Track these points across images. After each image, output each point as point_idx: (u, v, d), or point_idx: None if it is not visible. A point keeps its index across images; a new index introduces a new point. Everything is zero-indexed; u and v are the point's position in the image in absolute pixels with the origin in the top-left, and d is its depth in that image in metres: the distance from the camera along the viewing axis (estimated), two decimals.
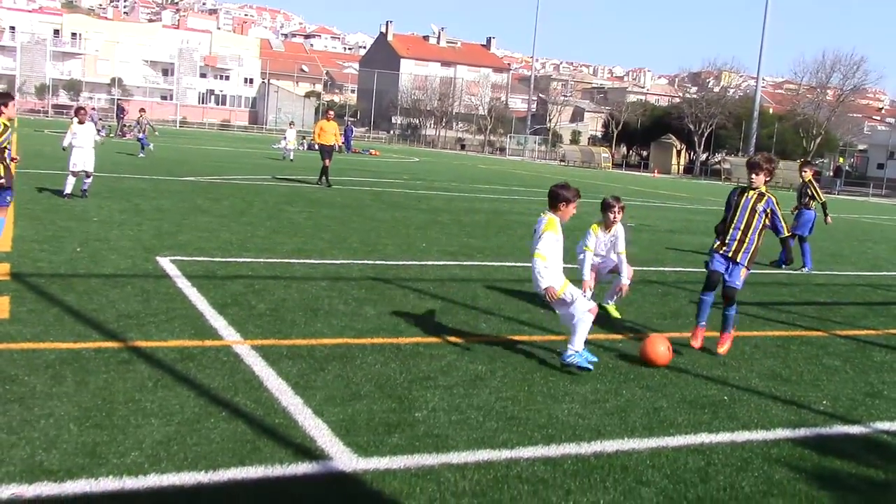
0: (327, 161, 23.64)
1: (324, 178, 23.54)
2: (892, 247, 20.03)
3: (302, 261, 10.69)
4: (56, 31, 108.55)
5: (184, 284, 8.58)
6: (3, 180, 9.68)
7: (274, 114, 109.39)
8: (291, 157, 36.63)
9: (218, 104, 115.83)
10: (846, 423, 5.92)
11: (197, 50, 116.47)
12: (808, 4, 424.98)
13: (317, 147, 25.20)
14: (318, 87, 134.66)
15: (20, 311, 6.97)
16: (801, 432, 5.62)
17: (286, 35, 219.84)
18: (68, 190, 15.10)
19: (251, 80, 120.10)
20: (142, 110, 34.01)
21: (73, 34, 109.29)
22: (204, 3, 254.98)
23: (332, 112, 26.64)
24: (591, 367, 6.61)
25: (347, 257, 11.25)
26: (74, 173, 15.31)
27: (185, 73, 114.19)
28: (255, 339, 6.77)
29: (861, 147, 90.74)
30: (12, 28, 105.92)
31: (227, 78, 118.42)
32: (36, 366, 5.64)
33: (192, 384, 5.52)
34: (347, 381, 5.89)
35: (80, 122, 15.97)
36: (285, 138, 38.69)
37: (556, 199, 6.77)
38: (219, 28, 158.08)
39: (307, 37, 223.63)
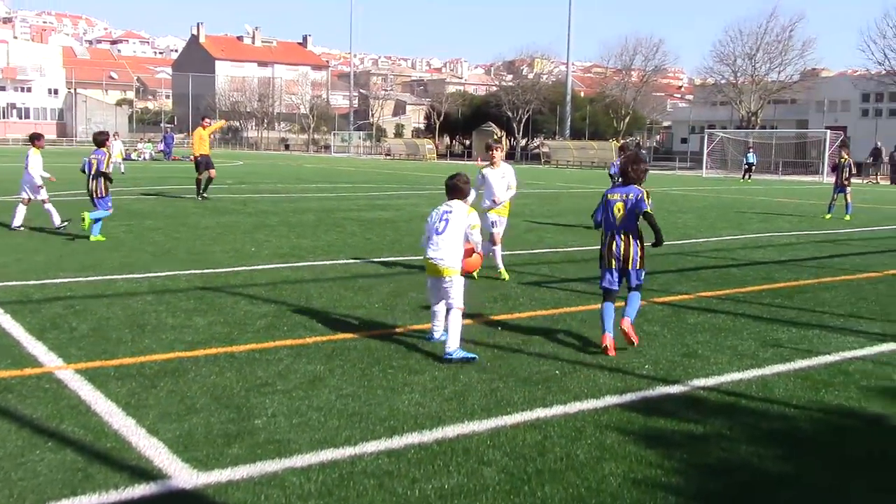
0: (212, 172, 22.29)
1: (201, 191, 22.28)
2: (698, 215, 21.42)
3: (125, 276, 10.26)
4: None
5: None
6: None
7: (84, 124, 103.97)
8: (122, 170, 34.83)
9: (21, 118, 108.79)
10: (667, 384, 6.31)
11: None
12: None
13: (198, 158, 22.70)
14: (130, 95, 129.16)
15: None
16: (628, 397, 5.95)
17: (91, 42, 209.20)
18: None
19: (56, 91, 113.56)
20: None
21: None
22: None
23: (207, 119, 24.69)
24: (475, 356, 6.80)
25: (173, 268, 10.89)
26: None
27: None
28: (79, 362, 6.45)
29: (666, 123, 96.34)
30: None
31: (30, 90, 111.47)
32: None
33: (12, 417, 5.21)
34: (182, 395, 5.72)
35: None
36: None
37: (465, 192, 7.41)
38: (15, 37, 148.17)
39: (114, 42, 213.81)
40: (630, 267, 7.39)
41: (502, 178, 10.79)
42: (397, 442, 4.97)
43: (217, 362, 6.57)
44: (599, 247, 7.55)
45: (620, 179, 7.65)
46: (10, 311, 8.13)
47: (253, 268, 11.18)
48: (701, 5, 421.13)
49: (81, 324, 7.69)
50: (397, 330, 7.79)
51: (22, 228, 14.57)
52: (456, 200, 7.21)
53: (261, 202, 22.25)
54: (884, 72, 59.72)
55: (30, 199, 14.98)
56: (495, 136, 10.84)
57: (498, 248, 10.74)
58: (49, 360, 6.50)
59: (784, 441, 5.24)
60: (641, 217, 7.32)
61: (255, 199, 23.29)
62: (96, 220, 13.61)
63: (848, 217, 20.95)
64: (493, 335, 7.68)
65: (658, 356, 7.12)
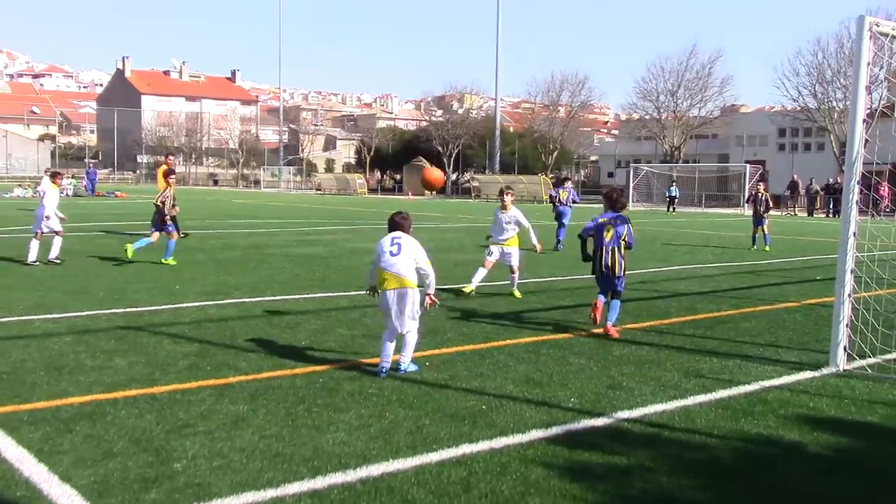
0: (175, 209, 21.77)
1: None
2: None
3: (42, 316, 9.95)
4: None
5: None
6: None
7: (4, 160, 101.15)
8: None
9: None
10: (592, 417, 6.36)
11: None
12: (538, 30, 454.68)
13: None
14: (53, 129, 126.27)
15: None
16: (553, 431, 5.98)
17: (12, 76, 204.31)
18: None
19: None
20: None
21: None
22: None
23: (171, 157, 24.33)
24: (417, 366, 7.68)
25: (93, 308, 10.61)
26: None
27: None
28: None
29: (593, 158, 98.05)
30: None
31: None
32: None
33: None
34: (98, 440, 5.55)
35: None
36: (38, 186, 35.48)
37: (406, 227, 7.87)
38: None
39: (36, 76, 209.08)
40: (615, 275, 9.67)
41: (508, 221, 12.95)
42: (321, 482, 4.90)
43: (137, 404, 6.40)
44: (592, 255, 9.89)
45: (608, 205, 10.02)
46: None
47: (177, 306, 10.97)
48: (626, 42, 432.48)
49: None
50: (324, 367, 7.71)
51: (37, 263, 14.93)
52: (399, 232, 7.78)
53: (188, 238, 21.86)
54: (798, 108, 61.95)
55: (42, 233, 15.52)
56: (505, 186, 12.61)
57: (515, 276, 12.84)
58: None
59: (705, 471, 5.32)
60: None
61: (182, 235, 22.86)
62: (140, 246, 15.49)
63: (766, 248, 21.61)
64: (421, 371, 7.65)
65: (584, 388, 7.18)
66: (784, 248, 23.17)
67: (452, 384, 7.23)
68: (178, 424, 5.92)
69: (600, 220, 9.81)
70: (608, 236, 9.68)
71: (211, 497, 4.63)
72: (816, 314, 11.30)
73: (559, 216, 21.74)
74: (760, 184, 23.46)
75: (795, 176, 54.08)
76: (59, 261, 15.32)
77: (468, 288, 12.62)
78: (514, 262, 12.86)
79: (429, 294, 7.91)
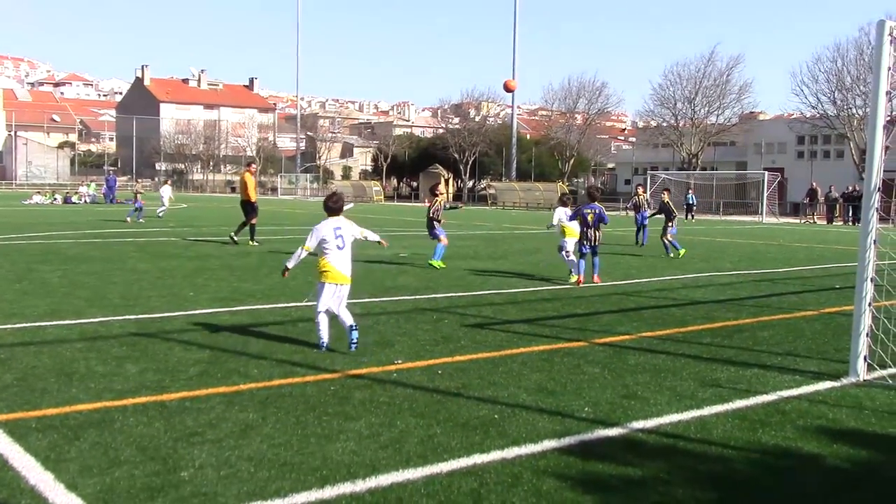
0: (253, 218, 22.31)
1: (238, 234, 22.29)
2: (639, 256, 21.63)
3: (55, 323, 9.95)
4: None
5: None
6: None
7: (24, 167, 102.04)
8: (159, 213, 33.95)
9: None
10: (606, 427, 6.26)
11: None
12: (555, 37, 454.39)
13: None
14: (73, 137, 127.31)
15: None
16: (567, 441, 5.88)
17: (33, 84, 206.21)
18: None
19: None
20: None
21: None
22: None
23: (254, 165, 24.48)
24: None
25: (107, 314, 10.59)
26: None
27: None
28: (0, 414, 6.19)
29: (610, 165, 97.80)
30: None
31: None
32: None
33: None
34: (106, 447, 5.50)
35: None
36: (162, 196, 35.92)
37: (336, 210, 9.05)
38: None
39: (57, 85, 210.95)
40: (596, 243, 14.85)
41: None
42: (329, 492, 4.82)
43: (146, 412, 6.35)
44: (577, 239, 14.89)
45: (589, 198, 15.39)
46: None
47: (190, 312, 10.94)
48: (644, 49, 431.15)
49: (6, 373, 7.39)
50: (335, 375, 7.64)
51: None
52: (338, 217, 8.96)
53: (203, 246, 21.92)
54: (817, 115, 61.54)
55: None
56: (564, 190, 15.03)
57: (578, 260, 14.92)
58: None
59: (722, 483, 5.20)
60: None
61: (198, 242, 22.93)
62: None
63: (677, 254, 21.05)
64: (434, 379, 7.58)
65: (598, 398, 7.07)
66: (803, 256, 22.94)
67: (465, 392, 7.14)
68: (186, 432, 5.86)
69: (585, 210, 14.83)
70: (591, 219, 14.75)
71: None
72: (836, 323, 11.14)
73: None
74: (664, 192, 23.36)
75: (814, 183, 53.69)
76: None
77: (574, 277, 14.99)
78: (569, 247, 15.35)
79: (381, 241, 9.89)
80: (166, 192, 36.64)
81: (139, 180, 40.67)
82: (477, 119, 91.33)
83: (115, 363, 7.90)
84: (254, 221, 22.61)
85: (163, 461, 5.27)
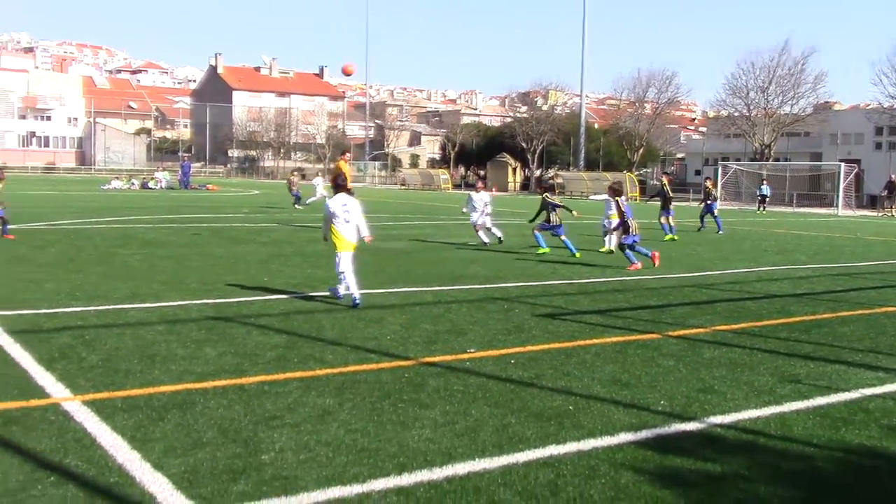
0: None
1: None
2: (713, 248, 21.27)
3: (136, 305, 10.22)
4: None
5: (5, 341, 8.02)
6: None
7: (103, 153, 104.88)
8: (308, 202, 34.59)
9: (41, 146, 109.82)
10: (683, 421, 6.17)
11: (14, 91, 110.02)
12: (624, 26, 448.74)
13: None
14: (149, 124, 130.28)
15: None
16: (643, 434, 5.82)
17: (111, 71, 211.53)
18: None
19: (76, 120, 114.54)
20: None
21: None
22: (18, 42, 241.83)
23: (347, 154, 25.06)
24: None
25: (185, 298, 10.85)
26: None
27: (2, 116, 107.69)
28: (87, 393, 6.39)
29: (679, 155, 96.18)
30: None
31: (49, 118, 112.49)
32: None
33: (15, 450, 5.13)
34: (188, 429, 5.64)
35: None
36: (315, 186, 36.84)
37: (342, 187, 10.93)
38: (37, 67, 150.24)
39: (134, 72, 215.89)
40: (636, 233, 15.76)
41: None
42: (406, 479, 4.87)
43: (226, 395, 6.49)
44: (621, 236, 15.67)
45: (617, 194, 16.31)
46: (20, 340, 8.09)
47: (265, 298, 11.13)
48: (715, 38, 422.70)
49: (91, 354, 7.63)
50: (409, 362, 7.70)
51: None
52: (344, 194, 10.71)
53: (276, 231, 22.26)
54: None
55: None
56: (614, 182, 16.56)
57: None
58: (56, 391, 6.45)
59: (803, 482, 5.10)
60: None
61: (271, 228, 23.30)
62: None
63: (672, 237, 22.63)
64: (506, 368, 7.58)
65: (674, 391, 6.98)
66: (881, 250, 22.27)
67: (538, 383, 7.12)
68: (265, 416, 5.97)
69: (626, 202, 15.99)
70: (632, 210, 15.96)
71: (298, 490, 4.65)
72: None
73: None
74: (664, 176, 25.52)
75: (893, 176, 51.94)
76: None
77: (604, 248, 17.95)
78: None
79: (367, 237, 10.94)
80: (319, 182, 37.49)
81: (294, 172, 41.57)
82: (545, 108, 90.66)
83: (195, 346, 8.08)
84: None
85: (244, 444, 5.38)
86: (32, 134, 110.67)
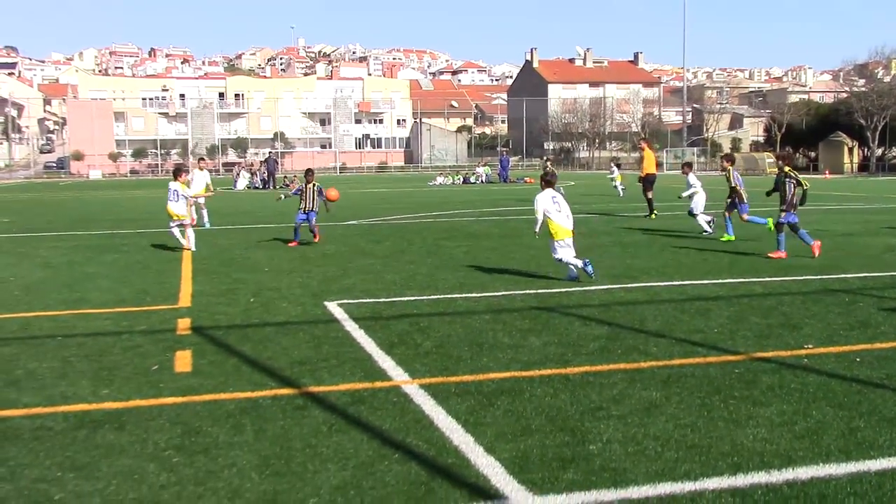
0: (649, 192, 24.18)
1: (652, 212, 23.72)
2: None
3: (464, 295, 10.71)
4: (221, 95, 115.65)
5: (351, 327, 8.77)
6: None
7: (428, 151, 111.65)
8: (621, 194, 36.19)
9: (374, 147, 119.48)
10: None
11: (351, 97, 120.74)
12: None
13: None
14: (469, 121, 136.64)
15: (201, 364, 7.31)
16: None
17: (434, 73, 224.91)
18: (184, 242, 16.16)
19: (403, 121, 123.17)
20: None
21: (237, 95, 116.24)
22: (354, 52, 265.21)
23: (645, 142, 26.61)
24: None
25: (509, 288, 11.19)
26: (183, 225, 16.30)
27: (342, 121, 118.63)
28: (423, 377, 6.79)
29: None
30: (182, 96, 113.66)
31: (381, 121, 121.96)
32: (217, 416, 5.86)
33: (364, 427, 5.58)
34: (517, 415, 5.78)
35: (177, 179, 16.53)
36: (612, 174, 39.33)
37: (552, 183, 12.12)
38: (369, 74, 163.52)
39: (454, 73, 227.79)
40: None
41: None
42: (742, 480, 4.61)
43: (551, 383, 6.58)
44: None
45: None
46: (363, 326, 8.80)
47: (586, 288, 11.17)
48: None
49: (425, 340, 8.11)
50: (739, 357, 7.32)
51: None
52: (551, 189, 11.82)
53: (592, 222, 22.30)
54: None
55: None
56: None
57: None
58: (396, 374, 6.92)
59: None
60: None
61: (587, 219, 23.39)
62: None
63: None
64: (851, 367, 6.94)
65: None
66: None
67: (890, 384, 6.44)
68: (591, 406, 5.96)
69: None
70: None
71: (627, 483, 4.58)
72: None
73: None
74: (724, 161, 19.33)
75: None
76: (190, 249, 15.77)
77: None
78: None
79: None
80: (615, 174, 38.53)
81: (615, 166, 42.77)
82: (887, 80, 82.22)
83: (520, 335, 8.29)
84: (650, 195, 23.87)
85: (571, 433, 5.41)
86: (366, 136, 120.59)
